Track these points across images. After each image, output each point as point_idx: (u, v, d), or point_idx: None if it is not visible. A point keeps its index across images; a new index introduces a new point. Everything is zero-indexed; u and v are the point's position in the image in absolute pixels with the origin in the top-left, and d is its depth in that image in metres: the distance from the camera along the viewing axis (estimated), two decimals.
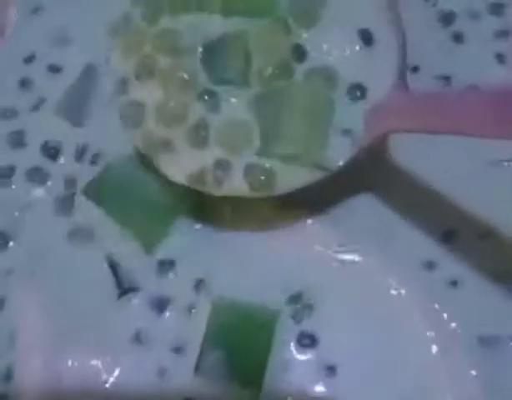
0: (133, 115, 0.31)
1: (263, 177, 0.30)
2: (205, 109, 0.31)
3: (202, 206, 0.34)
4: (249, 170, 0.30)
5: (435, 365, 0.31)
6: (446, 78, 0.36)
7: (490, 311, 0.32)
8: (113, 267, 0.33)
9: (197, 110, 0.31)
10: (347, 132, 0.30)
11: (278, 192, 0.31)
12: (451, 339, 0.31)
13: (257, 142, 0.30)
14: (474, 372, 0.31)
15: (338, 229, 0.33)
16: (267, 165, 0.30)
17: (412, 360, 0.31)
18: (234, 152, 0.31)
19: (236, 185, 0.30)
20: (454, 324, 0.32)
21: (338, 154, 0.30)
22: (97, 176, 0.35)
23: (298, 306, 0.33)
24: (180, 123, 0.31)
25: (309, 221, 0.34)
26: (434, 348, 0.31)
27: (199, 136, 0.31)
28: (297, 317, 0.32)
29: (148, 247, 0.33)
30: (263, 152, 0.30)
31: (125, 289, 0.33)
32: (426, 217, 0.33)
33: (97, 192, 0.34)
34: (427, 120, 0.27)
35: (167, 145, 0.31)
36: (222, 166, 0.30)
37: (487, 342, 0.31)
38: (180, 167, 0.31)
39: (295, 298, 0.33)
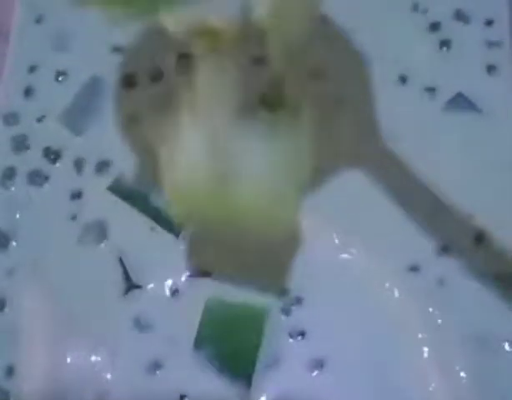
0: None
1: None
2: None
3: None
4: None
5: (426, 366, 0.32)
6: (432, 89, 0.36)
7: (483, 313, 0.32)
8: (122, 263, 0.34)
9: None
10: None
11: None
12: (443, 341, 0.32)
13: None
14: (464, 374, 0.31)
15: (333, 227, 0.34)
16: None
17: (402, 361, 0.32)
18: None
19: None
20: (446, 326, 0.32)
21: None
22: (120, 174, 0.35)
23: (288, 301, 0.33)
24: None
25: (304, 219, 0.34)
26: (426, 350, 0.32)
27: None
28: (287, 312, 0.33)
29: (177, 233, 0.34)
30: None
31: (133, 285, 0.34)
32: (422, 220, 0.34)
33: (123, 188, 0.35)
34: None
35: None
36: None
37: (479, 344, 0.32)
38: None
39: (285, 293, 0.33)
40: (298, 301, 0.33)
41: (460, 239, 0.33)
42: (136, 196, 0.35)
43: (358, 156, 0.35)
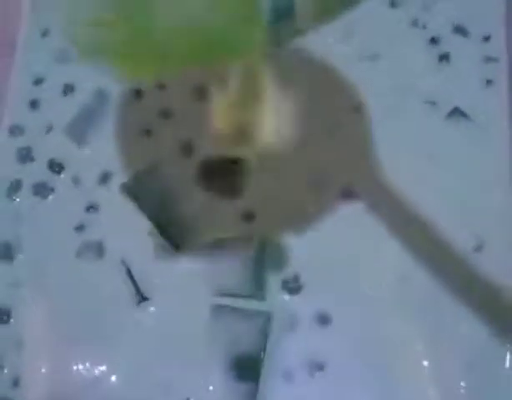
0: None
1: None
2: None
3: None
4: None
5: (425, 378, 0.32)
6: (432, 103, 0.36)
7: (482, 327, 0.33)
8: (131, 275, 0.34)
9: None
10: None
11: None
12: (441, 355, 0.32)
13: None
14: (464, 389, 0.32)
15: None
16: None
17: (402, 374, 0.32)
18: None
19: None
20: (446, 341, 0.32)
21: None
22: (134, 175, 0.36)
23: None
24: None
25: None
26: (425, 363, 0.32)
27: None
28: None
29: (178, 247, 0.34)
30: None
31: (142, 297, 0.34)
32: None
33: (135, 190, 0.35)
34: None
35: None
36: None
37: (479, 359, 0.32)
38: None
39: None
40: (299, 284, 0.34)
41: (456, 252, 0.34)
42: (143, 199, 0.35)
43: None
